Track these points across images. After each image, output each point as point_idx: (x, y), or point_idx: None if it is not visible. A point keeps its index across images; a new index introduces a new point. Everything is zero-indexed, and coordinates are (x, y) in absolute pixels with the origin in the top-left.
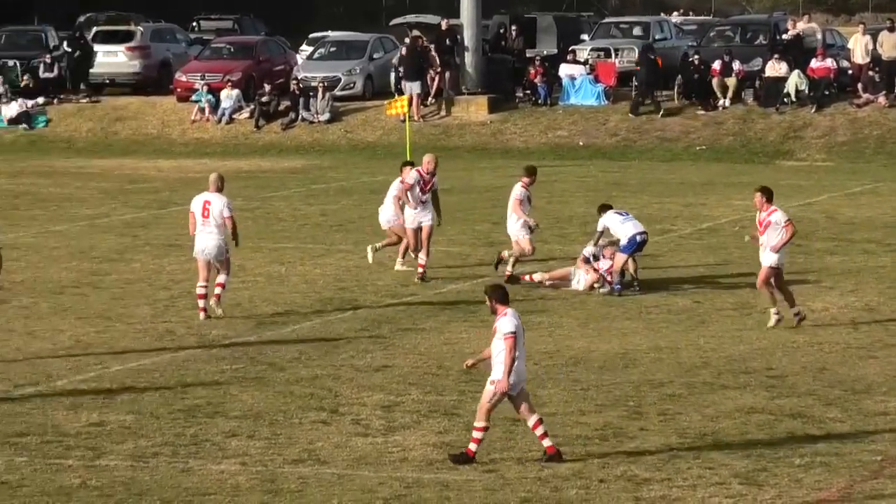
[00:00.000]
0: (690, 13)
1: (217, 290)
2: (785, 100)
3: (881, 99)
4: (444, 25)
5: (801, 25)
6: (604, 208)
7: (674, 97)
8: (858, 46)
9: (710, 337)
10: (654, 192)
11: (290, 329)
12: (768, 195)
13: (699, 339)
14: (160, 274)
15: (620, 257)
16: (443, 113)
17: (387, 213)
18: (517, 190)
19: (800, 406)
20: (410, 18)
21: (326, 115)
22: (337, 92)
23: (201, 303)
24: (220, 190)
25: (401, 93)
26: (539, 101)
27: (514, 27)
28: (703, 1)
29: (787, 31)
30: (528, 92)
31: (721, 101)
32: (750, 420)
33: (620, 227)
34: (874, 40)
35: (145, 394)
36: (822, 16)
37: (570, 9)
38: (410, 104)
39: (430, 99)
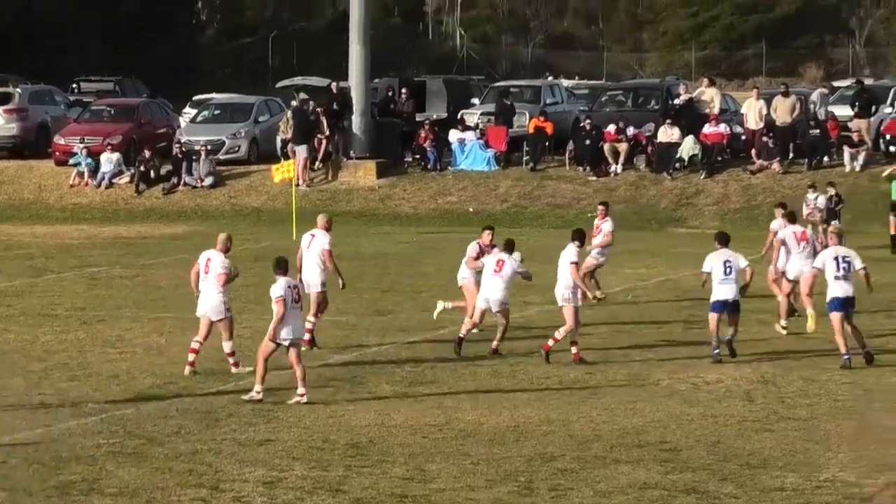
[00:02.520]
0: (576, 77)
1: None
2: (677, 165)
3: (775, 165)
4: (334, 88)
5: (702, 89)
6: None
7: (565, 163)
8: (752, 111)
9: (602, 409)
10: (545, 260)
11: (169, 402)
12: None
13: (592, 411)
14: (34, 344)
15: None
16: (330, 178)
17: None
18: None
19: (694, 481)
20: (298, 80)
21: (209, 180)
22: (221, 156)
23: (191, 357)
24: (227, 250)
25: (287, 157)
26: (428, 166)
27: (403, 90)
28: (596, 65)
29: (679, 95)
30: (418, 157)
31: (613, 167)
32: (643, 496)
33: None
34: (768, 105)
35: (18, 470)
36: (717, 79)
37: (461, 72)
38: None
39: (317, 163)
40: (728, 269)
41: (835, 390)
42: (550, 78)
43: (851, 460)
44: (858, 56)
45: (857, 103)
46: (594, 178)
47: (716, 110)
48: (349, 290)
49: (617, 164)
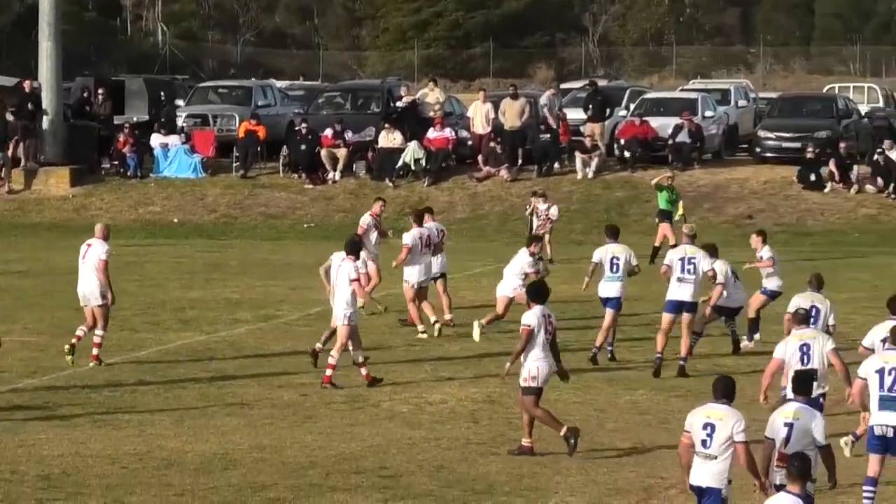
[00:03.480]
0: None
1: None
2: (401, 172)
3: (503, 172)
4: (27, 87)
5: (425, 90)
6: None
7: (279, 169)
8: (479, 115)
9: (318, 434)
10: (258, 275)
11: None
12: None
13: (306, 437)
14: None
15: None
16: (20, 186)
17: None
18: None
19: None
20: None
21: None
22: None
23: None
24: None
25: None
26: (128, 173)
27: (100, 90)
28: (312, 64)
29: (401, 97)
30: (116, 163)
31: (331, 174)
32: None
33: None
34: (496, 108)
35: None
36: (440, 81)
37: (163, 71)
38: None
39: (2, 171)
40: (615, 267)
41: (565, 410)
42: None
43: (581, 484)
44: (592, 56)
45: (590, 106)
46: (311, 185)
47: (440, 113)
48: (40, 309)
49: (335, 170)
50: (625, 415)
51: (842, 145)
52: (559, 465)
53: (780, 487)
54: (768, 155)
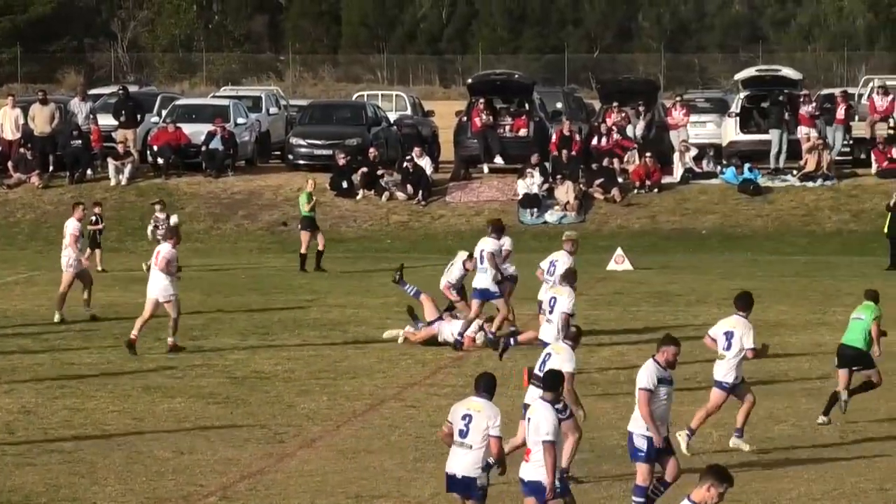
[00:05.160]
0: None
1: None
2: None
3: (34, 178)
4: None
5: None
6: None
7: None
8: (9, 121)
9: None
10: None
11: None
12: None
13: None
14: None
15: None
16: None
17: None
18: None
19: None
20: None
21: None
22: None
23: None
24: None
25: None
26: None
27: None
28: None
29: None
30: None
31: None
32: None
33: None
34: (25, 114)
35: None
36: None
37: None
38: None
39: None
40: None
41: (102, 420)
42: None
43: (119, 494)
44: (122, 61)
45: (122, 112)
46: None
47: None
48: None
49: None
50: (163, 423)
51: (371, 152)
52: (97, 474)
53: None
54: (301, 162)
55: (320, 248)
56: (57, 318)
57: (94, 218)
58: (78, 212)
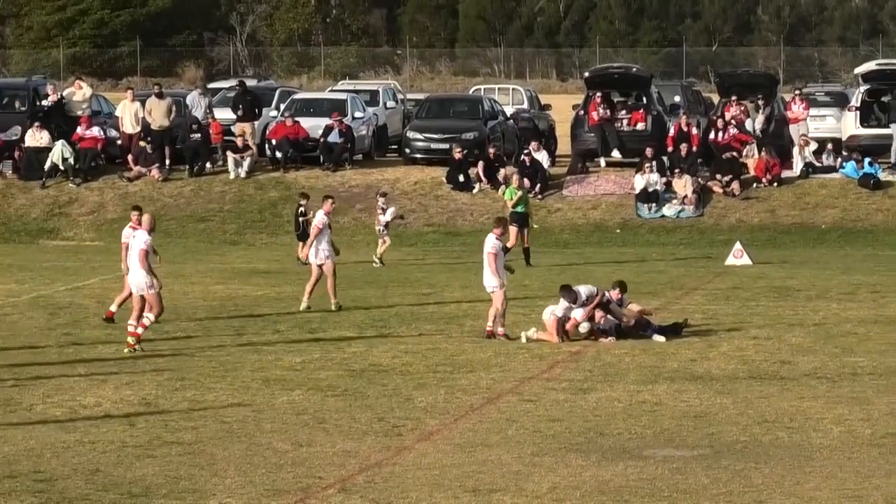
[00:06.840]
0: None
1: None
2: (50, 172)
3: (154, 172)
4: None
5: (71, 89)
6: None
7: None
8: (127, 114)
9: None
10: None
11: None
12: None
13: None
14: None
15: None
16: None
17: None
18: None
19: None
20: None
21: None
22: None
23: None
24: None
25: None
26: None
27: None
28: None
29: (48, 96)
30: None
31: None
32: None
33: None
34: (143, 107)
35: None
36: (88, 79)
37: None
38: None
39: None
40: None
41: (222, 412)
42: None
43: (239, 486)
44: (240, 55)
45: (240, 106)
46: None
47: (87, 112)
48: None
49: None
50: (282, 415)
51: (492, 151)
52: (216, 466)
53: None
54: (417, 156)
55: (525, 244)
56: (304, 305)
57: (301, 209)
58: (327, 205)
